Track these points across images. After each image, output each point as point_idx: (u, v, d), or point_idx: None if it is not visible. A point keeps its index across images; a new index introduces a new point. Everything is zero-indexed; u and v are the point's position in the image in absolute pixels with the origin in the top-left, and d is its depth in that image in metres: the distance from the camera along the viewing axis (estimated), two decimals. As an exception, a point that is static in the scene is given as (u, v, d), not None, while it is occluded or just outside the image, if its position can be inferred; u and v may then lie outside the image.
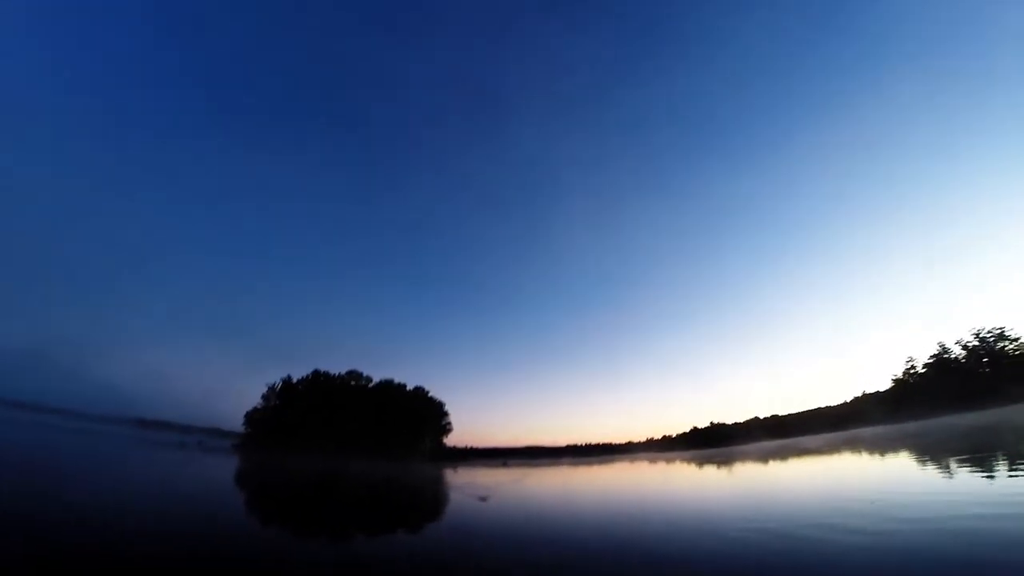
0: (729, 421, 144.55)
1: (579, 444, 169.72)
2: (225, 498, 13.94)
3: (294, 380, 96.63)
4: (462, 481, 23.31)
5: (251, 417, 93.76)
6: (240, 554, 6.74)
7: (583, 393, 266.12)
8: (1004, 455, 13.03)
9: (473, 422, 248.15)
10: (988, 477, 9.85)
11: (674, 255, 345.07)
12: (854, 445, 32.42)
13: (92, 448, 28.83)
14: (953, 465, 11.92)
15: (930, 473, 11.84)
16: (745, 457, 35.43)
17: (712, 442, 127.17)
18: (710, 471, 25.37)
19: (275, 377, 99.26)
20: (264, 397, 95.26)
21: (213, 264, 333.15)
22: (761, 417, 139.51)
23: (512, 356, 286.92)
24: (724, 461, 33.50)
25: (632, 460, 68.78)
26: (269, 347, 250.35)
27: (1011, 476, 9.42)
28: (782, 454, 33.02)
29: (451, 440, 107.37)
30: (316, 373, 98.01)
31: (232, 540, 7.53)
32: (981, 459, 13.17)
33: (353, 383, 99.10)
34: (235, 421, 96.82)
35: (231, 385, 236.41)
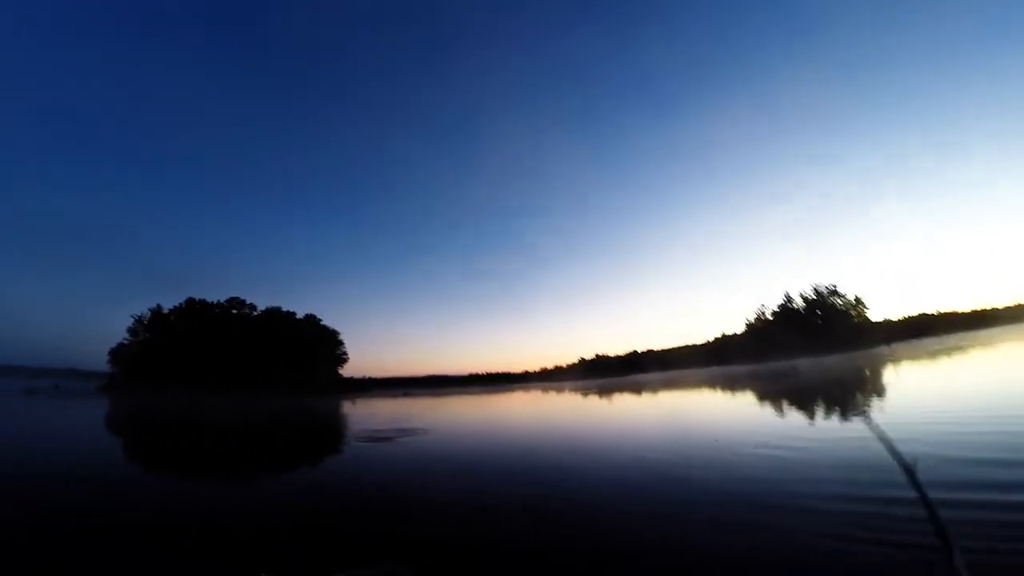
0: (611, 353, 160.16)
1: (479, 374, 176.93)
2: (85, 450, 12.08)
3: (165, 310, 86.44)
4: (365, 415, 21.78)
5: (117, 354, 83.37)
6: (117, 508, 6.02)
7: (481, 324, 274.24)
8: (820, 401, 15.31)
9: (370, 352, 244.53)
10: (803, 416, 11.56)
11: (585, 190, 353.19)
12: (700, 381, 37.03)
13: None
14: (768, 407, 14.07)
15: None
16: (622, 388, 39.24)
17: (598, 373, 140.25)
18: (592, 400, 27.66)
19: (143, 308, 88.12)
20: (131, 331, 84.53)
21: (66, 179, 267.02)
22: (639, 351, 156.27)
23: (411, 285, 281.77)
24: (604, 391, 36.86)
25: (527, 389, 73.34)
26: (135, 275, 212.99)
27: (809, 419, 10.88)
28: (653, 386, 36.72)
29: (348, 370, 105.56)
30: (191, 301, 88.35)
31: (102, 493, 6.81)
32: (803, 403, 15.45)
33: (235, 311, 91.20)
34: (98, 360, 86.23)
35: (90, 320, 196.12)
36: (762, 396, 19.76)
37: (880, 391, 16.38)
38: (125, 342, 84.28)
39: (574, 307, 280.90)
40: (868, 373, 26.73)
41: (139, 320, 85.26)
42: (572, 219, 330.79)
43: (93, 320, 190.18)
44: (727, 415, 15.04)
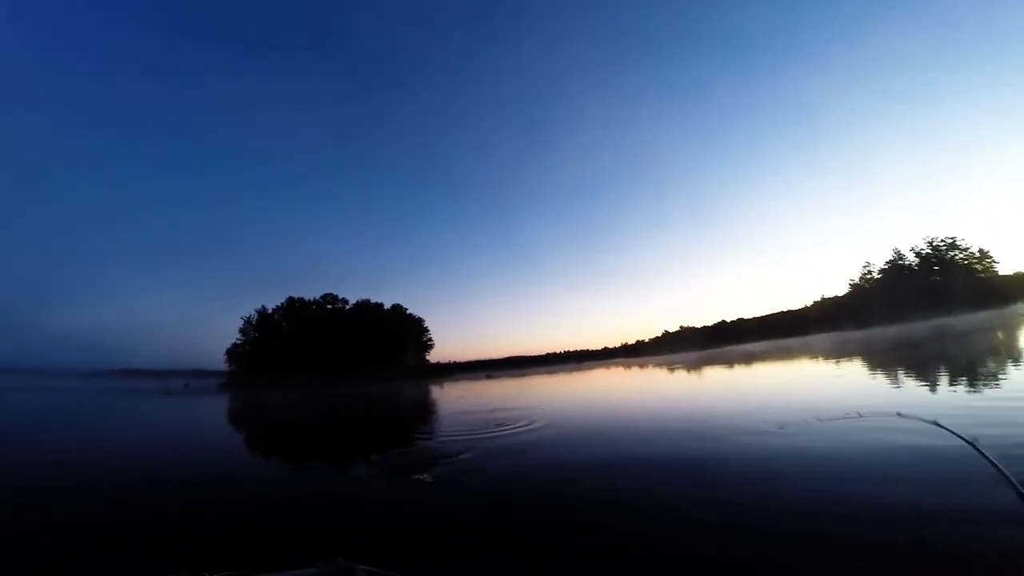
0: (698, 325, 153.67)
1: (558, 352, 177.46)
2: (225, 438, 14.15)
3: (269, 310, 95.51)
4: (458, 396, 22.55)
5: (232, 353, 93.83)
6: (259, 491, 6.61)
7: (557, 302, 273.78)
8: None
9: (453, 337, 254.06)
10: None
11: (661, 158, 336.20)
12: (800, 352, 34.09)
13: (96, 406, 28.26)
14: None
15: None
16: (704, 362, 37.44)
17: (683, 346, 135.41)
18: (678, 374, 26.81)
19: (250, 309, 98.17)
20: (242, 331, 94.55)
21: (180, 197, 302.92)
22: (728, 320, 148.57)
23: (486, 269, 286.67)
24: (687, 365, 35.45)
25: (608, 366, 72.62)
26: (243, 279, 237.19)
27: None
28: (743, 359, 34.71)
29: (433, 356, 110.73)
30: (291, 300, 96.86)
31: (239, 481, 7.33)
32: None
33: (329, 306, 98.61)
34: (218, 359, 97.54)
35: (210, 323, 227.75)
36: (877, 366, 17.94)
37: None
38: (238, 341, 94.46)
39: (653, 280, 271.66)
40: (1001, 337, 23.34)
41: (248, 321, 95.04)
42: (647, 190, 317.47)
43: (212, 323, 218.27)
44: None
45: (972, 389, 10.01)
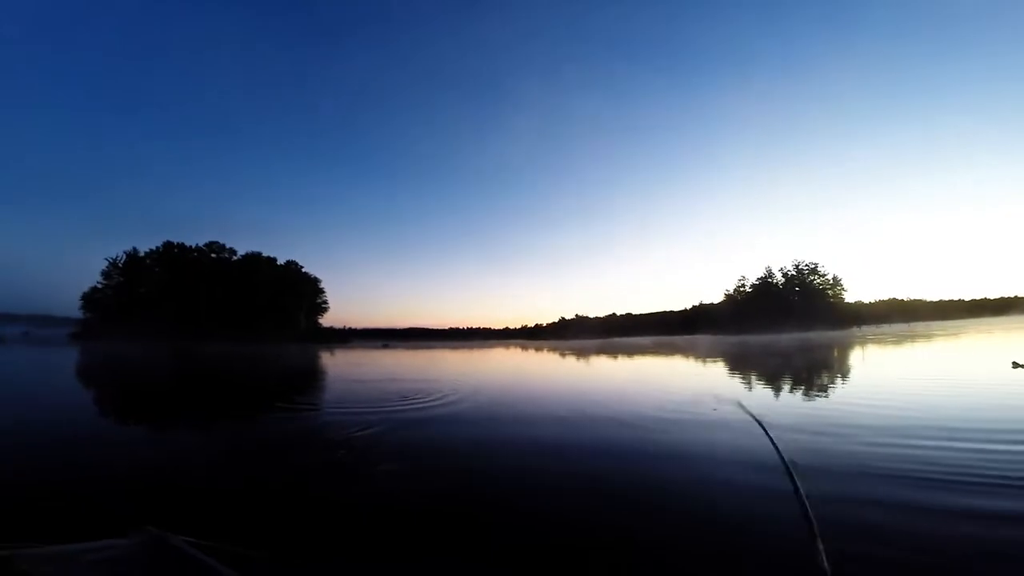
0: (591, 315, 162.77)
1: (460, 328, 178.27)
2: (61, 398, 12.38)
3: (141, 254, 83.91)
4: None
5: (90, 299, 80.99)
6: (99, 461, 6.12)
7: (465, 279, 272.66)
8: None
9: (350, 302, 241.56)
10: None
11: (588, 160, 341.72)
12: (673, 350, 37.60)
13: None
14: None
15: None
16: (605, 350, 39.78)
17: (576, 333, 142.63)
18: (569, 359, 28.23)
19: (118, 251, 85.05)
20: (105, 274, 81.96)
21: (35, 117, 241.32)
22: (618, 314, 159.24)
23: (392, 238, 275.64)
24: (580, 352, 37.42)
25: (507, 346, 74.39)
26: (110, 217, 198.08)
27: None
28: (628, 350, 37.21)
29: (327, 320, 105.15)
30: (168, 245, 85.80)
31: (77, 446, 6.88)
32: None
33: (214, 255, 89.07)
34: (71, 305, 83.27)
35: (64, 263, 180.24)
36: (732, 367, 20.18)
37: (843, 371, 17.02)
38: (99, 286, 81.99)
39: (557, 268, 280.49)
40: (836, 353, 27.53)
41: (114, 263, 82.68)
42: (569, 184, 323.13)
43: (66, 264, 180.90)
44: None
45: (792, 389, 12.41)
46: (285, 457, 6.29)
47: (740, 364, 22.08)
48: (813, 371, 17.93)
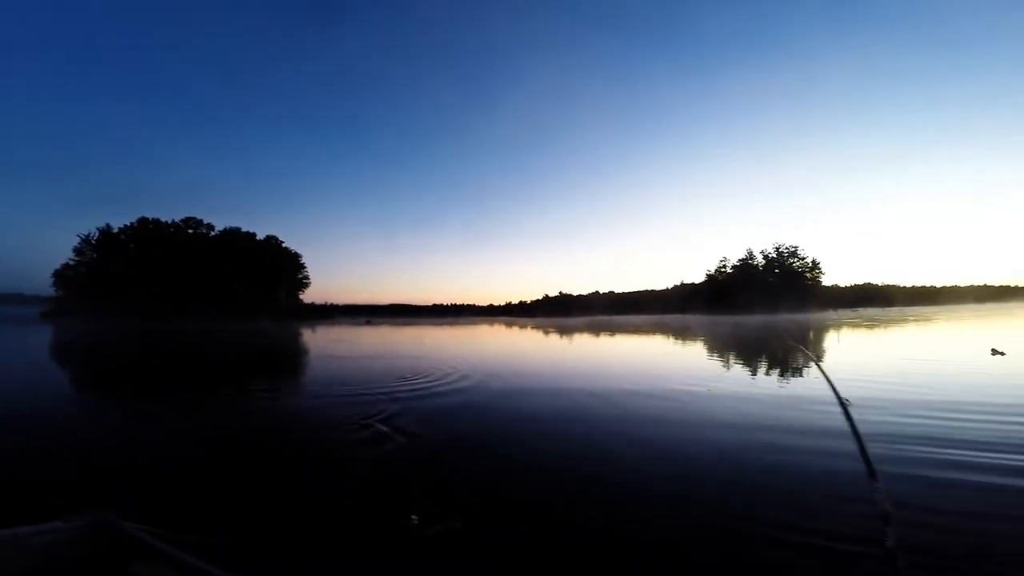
0: (575, 293, 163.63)
1: (443, 304, 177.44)
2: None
3: (115, 230, 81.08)
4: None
5: (62, 276, 78.23)
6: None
7: (451, 256, 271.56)
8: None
9: (332, 278, 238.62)
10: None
11: (575, 132, 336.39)
12: (652, 329, 38.05)
13: None
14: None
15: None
16: (579, 328, 39.97)
17: (560, 310, 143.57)
18: (554, 337, 28.32)
19: (91, 227, 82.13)
20: (77, 251, 79.08)
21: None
22: (601, 292, 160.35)
23: (376, 213, 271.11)
24: (564, 329, 37.62)
25: (492, 322, 74.50)
26: (83, 191, 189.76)
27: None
28: (609, 328, 37.53)
29: (308, 296, 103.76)
30: (143, 221, 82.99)
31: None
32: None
33: (191, 231, 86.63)
34: (42, 283, 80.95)
35: (35, 241, 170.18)
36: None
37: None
38: (71, 263, 79.28)
39: (541, 248, 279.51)
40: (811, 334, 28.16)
41: (86, 239, 79.86)
42: (542, 163, 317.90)
43: (39, 243, 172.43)
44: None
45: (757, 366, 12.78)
46: (239, 444, 6.10)
47: (758, 346, 21.85)
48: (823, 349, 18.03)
